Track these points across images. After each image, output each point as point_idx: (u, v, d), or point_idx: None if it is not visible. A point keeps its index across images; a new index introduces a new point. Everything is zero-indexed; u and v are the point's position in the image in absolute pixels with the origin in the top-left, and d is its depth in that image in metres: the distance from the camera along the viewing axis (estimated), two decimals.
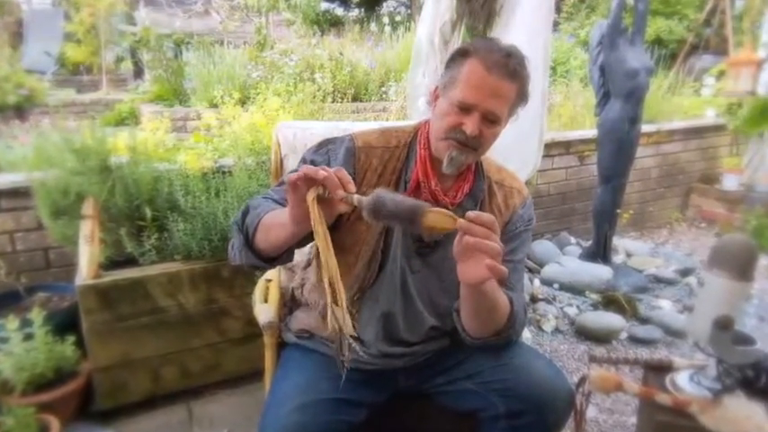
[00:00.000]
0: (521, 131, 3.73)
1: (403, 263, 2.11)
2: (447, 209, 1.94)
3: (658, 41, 11.13)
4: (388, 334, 2.15)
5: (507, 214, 2.17)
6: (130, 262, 3.49)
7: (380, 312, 2.12)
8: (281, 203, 1.97)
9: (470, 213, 1.62)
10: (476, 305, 1.92)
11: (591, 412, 3.49)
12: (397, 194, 1.62)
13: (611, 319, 4.55)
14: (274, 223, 1.84)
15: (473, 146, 1.95)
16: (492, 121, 1.93)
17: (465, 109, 1.91)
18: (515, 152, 3.73)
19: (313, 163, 2.04)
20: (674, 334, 4.47)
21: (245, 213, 1.97)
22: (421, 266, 2.13)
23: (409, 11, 12.94)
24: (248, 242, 1.93)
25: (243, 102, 6.70)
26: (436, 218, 1.59)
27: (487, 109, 1.90)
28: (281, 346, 2.37)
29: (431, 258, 2.13)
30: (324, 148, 2.14)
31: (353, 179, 1.83)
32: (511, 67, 1.89)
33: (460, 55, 1.98)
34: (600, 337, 4.45)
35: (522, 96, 1.99)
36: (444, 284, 2.13)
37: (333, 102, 7.36)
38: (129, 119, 8.47)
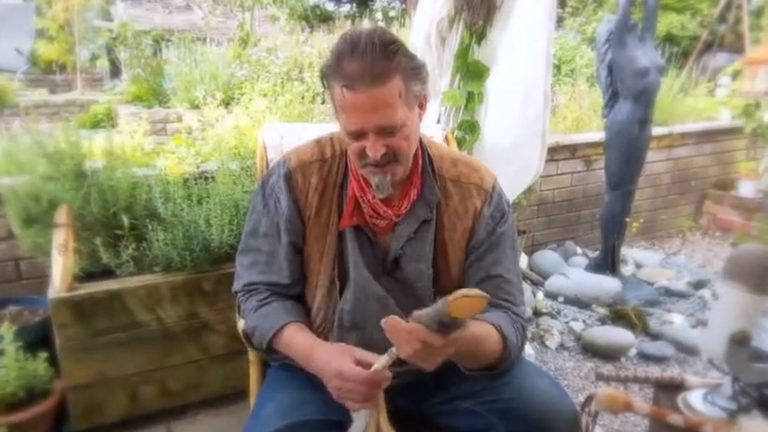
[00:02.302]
0: (522, 134, 3.74)
1: (375, 285, 2.12)
2: (392, 221, 2.02)
3: (670, 38, 11.17)
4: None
5: (468, 220, 2.15)
6: (107, 274, 3.47)
7: (367, 341, 2.11)
8: (272, 254, 2.19)
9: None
10: (461, 361, 1.96)
11: None
12: (426, 310, 1.64)
13: (619, 335, 4.56)
14: (293, 352, 2.05)
15: (391, 161, 1.92)
16: (390, 133, 1.87)
17: (358, 135, 1.88)
18: (516, 156, 3.74)
19: (267, 210, 2.19)
20: (687, 350, 4.47)
21: (250, 323, 2.18)
22: (392, 284, 2.14)
23: (404, 6, 12.96)
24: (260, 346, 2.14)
25: (226, 103, 6.71)
26: (461, 306, 1.56)
27: (376, 126, 1.84)
28: (267, 364, 2.37)
29: (398, 274, 2.14)
30: (268, 188, 2.21)
31: (296, 214, 2.09)
32: (372, 71, 1.77)
33: (323, 78, 1.92)
34: (607, 353, 4.45)
35: (413, 75, 1.88)
36: (418, 299, 2.13)
37: (323, 103, 7.36)
38: (106, 121, 8.48)
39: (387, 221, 2.10)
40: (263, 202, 2.20)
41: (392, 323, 1.64)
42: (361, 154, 1.91)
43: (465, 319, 1.61)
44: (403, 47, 1.85)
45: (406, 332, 1.62)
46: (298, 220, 2.14)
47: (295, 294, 2.21)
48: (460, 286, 2.12)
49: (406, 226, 2.10)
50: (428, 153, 2.16)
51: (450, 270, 2.15)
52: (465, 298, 1.54)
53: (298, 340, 2.04)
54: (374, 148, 1.86)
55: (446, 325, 1.59)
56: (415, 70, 1.88)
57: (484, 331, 1.91)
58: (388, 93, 1.79)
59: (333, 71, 1.84)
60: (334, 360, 1.83)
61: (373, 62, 1.77)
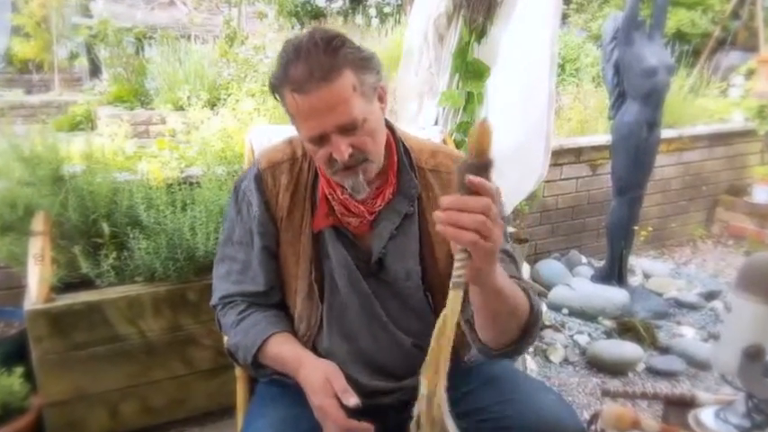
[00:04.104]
0: (524, 137, 3.74)
1: (358, 289, 2.13)
2: (363, 216, 2.03)
3: (680, 36, 11.15)
4: (371, 367, 2.16)
5: None
6: (86, 284, 3.48)
7: (354, 348, 2.14)
8: (247, 262, 2.21)
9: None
10: (494, 311, 1.78)
11: None
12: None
13: (626, 349, 4.56)
14: (279, 366, 2.09)
15: (360, 159, 1.92)
16: (352, 130, 1.87)
17: (320, 139, 1.89)
18: (518, 160, 3.74)
19: (240, 217, 2.21)
20: (698, 365, 4.47)
21: (234, 340, 2.18)
22: (377, 287, 2.14)
23: (399, 1, 12.97)
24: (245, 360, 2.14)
25: (212, 104, 6.71)
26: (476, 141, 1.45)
27: (336, 125, 1.84)
28: (255, 379, 2.37)
29: (384, 275, 2.14)
30: (240, 193, 2.22)
31: (268, 216, 2.10)
32: (320, 69, 1.80)
33: (273, 90, 1.95)
34: (614, 368, 4.46)
35: (363, 68, 1.89)
36: (405, 300, 2.15)
37: None
38: (85, 123, 8.45)
39: (360, 219, 2.10)
40: (237, 207, 2.22)
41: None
42: (329, 160, 1.92)
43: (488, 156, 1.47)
44: (347, 40, 1.88)
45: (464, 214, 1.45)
46: (270, 223, 2.15)
47: (274, 303, 2.23)
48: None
49: (388, 223, 2.10)
50: (403, 145, 2.16)
51: (438, 265, 2.13)
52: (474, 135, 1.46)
53: (283, 354, 2.06)
54: (340, 150, 1.86)
55: (475, 168, 1.46)
56: (364, 61, 1.90)
57: (510, 282, 1.79)
58: (340, 88, 1.81)
59: (281, 80, 1.87)
60: (317, 396, 1.86)
61: (318, 60, 1.80)
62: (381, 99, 2.01)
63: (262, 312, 2.17)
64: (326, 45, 1.81)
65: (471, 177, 1.43)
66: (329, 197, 2.10)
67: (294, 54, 1.83)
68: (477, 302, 1.74)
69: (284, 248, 2.16)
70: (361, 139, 1.89)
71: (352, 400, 1.80)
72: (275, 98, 1.97)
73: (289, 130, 2.17)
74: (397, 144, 2.14)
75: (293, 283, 2.17)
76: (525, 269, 5.68)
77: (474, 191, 1.45)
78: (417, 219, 2.13)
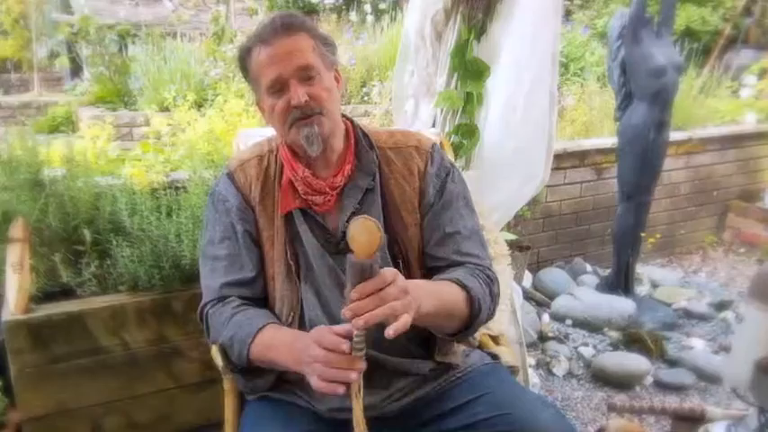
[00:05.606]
0: (526, 140, 3.74)
1: (329, 266, 2.26)
2: (326, 192, 2.23)
3: (689, 33, 11.15)
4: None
5: (415, 180, 2.35)
6: (67, 294, 3.46)
7: (334, 323, 2.14)
8: (232, 254, 2.33)
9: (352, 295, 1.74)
10: (430, 323, 2.06)
11: None
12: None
13: (633, 361, 4.57)
14: (274, 351, 2.10)
15: (315, 111, 2.15)
16: (311, 77, 2.14)
17: (279, 89, 2.15)
18: (519, 164, 3.74)
19: (219, 216, 2.38)
20: (708, 378, 4.48)
21: (226, 340, 2.23)
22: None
23: None
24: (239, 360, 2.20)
25: (199, 104, 6.71)
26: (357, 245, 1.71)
27: (293, 69, 2.12)
28: (244, 395, 2.39)
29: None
30: (216, 197, 2.42)
31: (244, 204, 2.30)
32: (282, 26, 2.14)
33: (243, 57, 2.27)
34: (620, 381, 4.46)
35: (321, 40, 2.23)
36: None
37: None
38: (65, 124, 8.46)
39: (324, 197, 2.28)
40: (214, 209, 2.39)
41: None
42: (287, 109, 2.15)
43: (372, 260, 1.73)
44: (308, 18, 2.27)
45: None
46: (248, 209, 2.35)
47: (263, 296, 2.33)
48: (420, 246, 2.34)
49: (351, 199, 2.28)
50: (362, 131, 2.42)
51: (408, 232, 2.32)
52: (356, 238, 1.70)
53: (279, 336, 2.12)
54: (296, 94, 2.10)
55: (364, 271, 1.74)
56: (322, 36, 2.25)
57: (438, 285, 2.09)
58: (298, 39, 2.15)
59: (252, 41, 2.20)
60: (315, 331, 1.91)
61: (282, 22, 2.16)
62: (337, 80, 2.31)
63: (255, 309, 2.24)
64: (289, 15, 2.22)
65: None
66: (293, 179, 2.29)
67: (263, 25, 2.20)
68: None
69: (262, 234, 2.31)
70: (318, 91, 2.15)
71: (344, 345, 1.81)
72: (243, 74, 2.32)
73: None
74: (355, 130, 2.38)
75: (272, 268, 2.29)
76: (527, 278, 5.69)
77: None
78: (380, 192, 2.31)
